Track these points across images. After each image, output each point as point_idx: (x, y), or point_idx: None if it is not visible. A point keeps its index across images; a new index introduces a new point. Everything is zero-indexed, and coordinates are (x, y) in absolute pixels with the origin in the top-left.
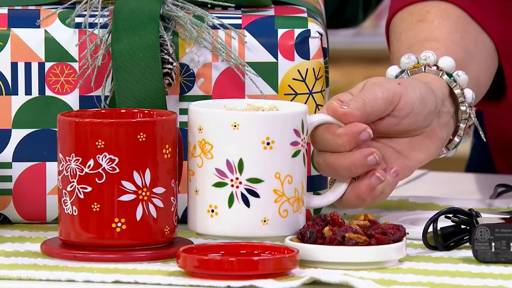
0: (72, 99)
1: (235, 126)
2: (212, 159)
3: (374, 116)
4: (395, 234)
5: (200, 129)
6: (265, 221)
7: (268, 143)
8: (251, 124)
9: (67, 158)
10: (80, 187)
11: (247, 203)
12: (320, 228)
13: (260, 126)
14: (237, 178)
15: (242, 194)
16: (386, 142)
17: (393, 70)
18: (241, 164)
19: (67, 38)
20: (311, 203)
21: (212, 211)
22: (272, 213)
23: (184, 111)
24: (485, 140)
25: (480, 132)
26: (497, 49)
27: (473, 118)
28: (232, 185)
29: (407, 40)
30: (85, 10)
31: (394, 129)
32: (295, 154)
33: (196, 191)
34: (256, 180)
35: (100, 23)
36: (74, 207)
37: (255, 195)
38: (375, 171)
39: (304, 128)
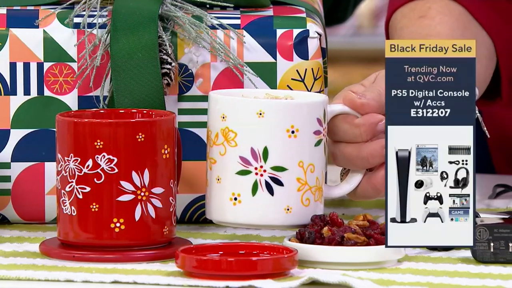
0: (70, 99)
1: (260, 114)
2: (236, 147)
3: None
4: None
5: (223, 117)
6: (288, 209)
7: (292, 132)
8: (276, 112)
9: (65, 158)
10: (79, 187)
11: (271, 191)
12: (319, 228)
13: (286, 115)
14: (261, 166)
15: (266, 182)
16: None
17: None
18: (266, 152)
19: (66, 38)
20: (328, 193)
21: (235, 199)
22: (295, 201)
23: (183, 111)
24: (488, 136)
25: (484, 129)
26: (495, 48)
27: (477, 114)
28: (257, 173)
29: (409, 35)
30: (84, 10)
31: None
32: (317, 143)
33: (218, 179)
34: (281, 169)
35: (99, 23)
36: (72, 207)
37: (279, 183)
38: None
39: (325, 118)
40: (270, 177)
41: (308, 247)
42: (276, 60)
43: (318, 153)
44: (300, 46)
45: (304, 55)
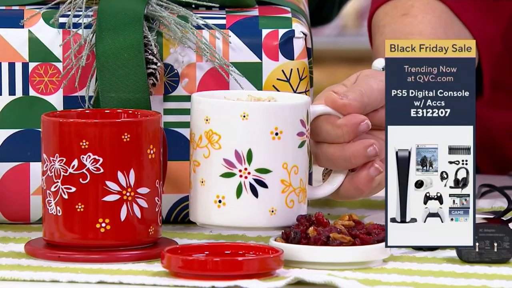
0: (56, 99)
1: (244, 116)
2: (220, 149)
3: (370, 107)
4: (379, 234)
5: (207, 120)
6: (272, 211)
7: (276, 134)
8: (260, 114)
9: (51, 158)
10: (64, 188)
11: (255, 193)
12: (305, 228)
13: (270, 117)
14: (245, 169)
15: (251, 185)
16: (377, 134)
17: (379, 63)
18: (250, 154)
19: (51, 38)
20: (311, 194)
21: (220, 201)
22: (279, 203)
23: (168, 111)
24: None
25: None
26: (477, 47)
27: None
28: (241, 176)
29: (391, 33)
30: (69, 10)
31: None
32: (301, 145)
33: (202, 182)
34: (265, 171)
35: (84, 23)
36: (58, 208)
37: (264, 185)
38: (374, 162)
39: (308, 119)
40: (255, 179)
41: (294, 247)
42: (261, 60)
43: (301, 155)
44: (286, 46)
45: (289, 55)
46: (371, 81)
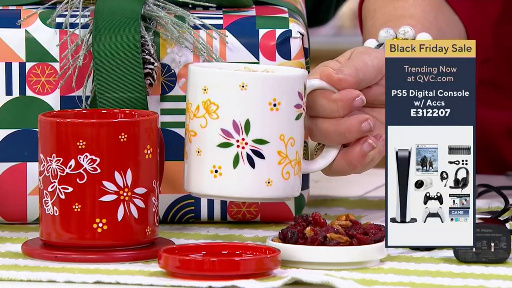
0: (53, 99)
1: (243, 86)
2: (217, 119)
3: (365, 83)
4: (376, 234)
5: (205, 90)
6: (269, 182)
7: (274, 105)
8: (259, 85)
9: (48, 158)
10: (61, 188)
11: (252, 164)
12: (302, 228)
13: (268, 87)
14: (243, 139)
15: (248, 155)
16: (369, 111)
17: (370, 43)
18: (247, 124)
19: (48, 38)
20: (305, 168)
21: (216, 171)
22: (275, 174)
23: (165, 111)
24: None
25: None
26: (466, 33)
27: None
28: (238, 146)
29: (382, 16)
30: (66, 10)
31: (380, 99)
32: (298, 117)
33: (198, 152)
34: (262, 141)
35: (81, 23)
36: (55, 208)
37: (261, 156)
38: (367, 138)
39: (305, 92)
40: (252, 150)
41: (291, 247)
42: (258, 60)
43: (298, 127)
44: (283, 46)
45: (286, 55)
46: (366, 57)
